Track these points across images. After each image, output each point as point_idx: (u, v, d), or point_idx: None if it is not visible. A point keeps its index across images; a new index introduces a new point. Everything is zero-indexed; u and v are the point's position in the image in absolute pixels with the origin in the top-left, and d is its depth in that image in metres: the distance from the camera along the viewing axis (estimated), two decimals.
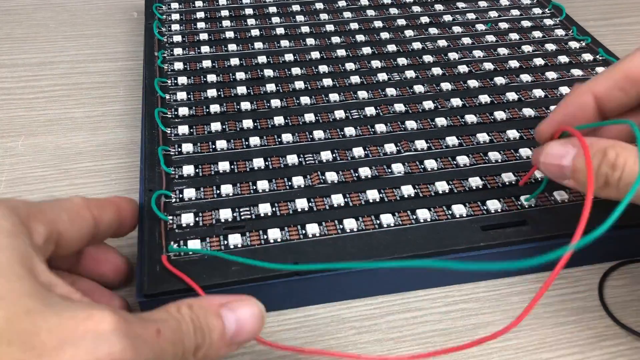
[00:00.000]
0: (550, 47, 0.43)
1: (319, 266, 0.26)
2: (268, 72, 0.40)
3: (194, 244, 0.28)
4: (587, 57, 0.41)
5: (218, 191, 0.31)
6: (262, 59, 0.41)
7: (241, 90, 0.38)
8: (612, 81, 0.23)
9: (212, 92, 0.38)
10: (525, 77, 0.39)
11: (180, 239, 0.28)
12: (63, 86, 0.45)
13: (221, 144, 0.34)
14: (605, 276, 0.31)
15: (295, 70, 0.40)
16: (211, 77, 0.39)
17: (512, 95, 0.37)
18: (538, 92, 0.38)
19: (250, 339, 0.22)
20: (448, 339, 0.28)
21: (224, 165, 0.32)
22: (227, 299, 0.22)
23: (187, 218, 0.29)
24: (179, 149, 0.33)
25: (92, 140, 0.39)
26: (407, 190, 0.31)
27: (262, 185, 0.31)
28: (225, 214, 0.29)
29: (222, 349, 0.21)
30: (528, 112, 0.36)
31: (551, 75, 0.39)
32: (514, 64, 0.40)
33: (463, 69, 0.40)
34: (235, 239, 0.28)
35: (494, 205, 0.30)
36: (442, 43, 0.43)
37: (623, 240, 0.31)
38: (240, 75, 0.40)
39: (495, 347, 0.27)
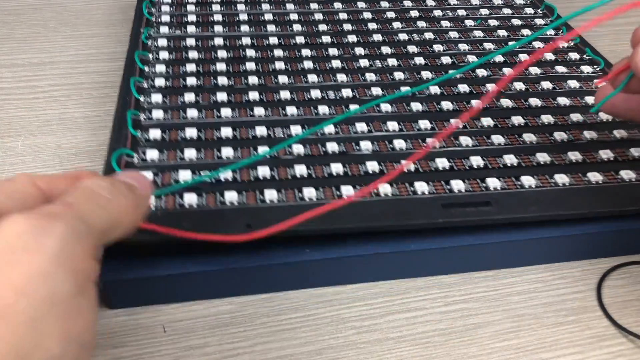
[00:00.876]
0: (538, 44, 0.43)
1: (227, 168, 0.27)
2: (250, 53, 0.40)
3: (147, 174, 0.28)
4: (574, 55, 0.41)
5: (181, 155, 0.31)
6: (246, 40, 0.42)
7: (220, 67, 0.38)
8: None
9: (191, 67, 0.38)
10: (508, 70, 0.39)
11: None
12: (63, 86, 0.45)
13: (192, 112, 0.34)
14: (605, 276, 0.31)
15: (278, 52, 0.40)
16: (193, 54, 0.40)
17: (491, 86, 0.38)
18: (519, 85, 0.38)
19: (150, 190, 0.23)
20: (448, 339, 0.28)
21: (191, 132, 0.32)
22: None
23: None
24: (150, 115, 0.34)
25: (92, 140, 0.39)
26: (372, 166, 0.31)
27: (227, 152, 0.31)
28: (185, 175, 0.29)
29: (149, 188, 0.22)
30: (506, 102, 0.36)
31: (534, 70, 0.39)
32: (498, 58, 0.40)
33: (446, 60, 0.40)
34: (190, 198, 0.28)
35: (457, 185, 0.30)
36: (428, 35, 0.43)
37: (623, 235, 0.31)
38: (222, 53, 0.40)
39: (495, 347, 0.27)
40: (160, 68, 0.38)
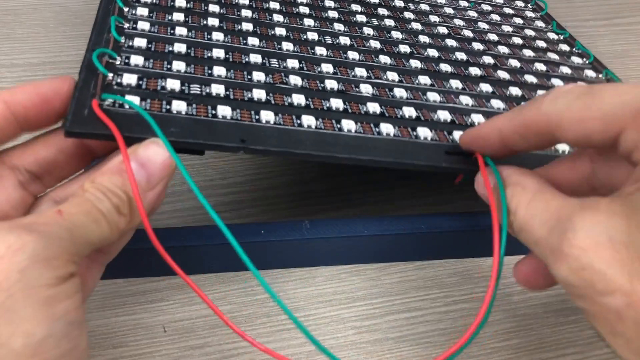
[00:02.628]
0: (529, 32, 0.43)
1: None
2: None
3: (132, 99, 0.25)
4: (564, 47, 0.41)
5: (169, 66, 0.28)
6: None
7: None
8: (514, 127, 0.23)
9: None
10: (503, 49, 0.39)
11: (119, 94, 0.25)
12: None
13: (181, 30, 0.32)
14: None
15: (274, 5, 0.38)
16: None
17: (488, 59, 0.37)
18: (514, 62, 0.38)
19: (166, 173, 0.22)
20: (448, 339, 0.28)
21: (179, 47, 0.30)
22: (127, 152, 0.22)
23: (130, 78, 0.26)
24: (134, 25, 0.31)
25: None
26: (373, 107, 0.29)
27: (219, 71, 0.29)
28: (173, 84, 0.27)
29: (146, 197, 0.21)
30: (503, 74, 0.36)
31: (528, 52, 0.39)
32: (492, 36, 0.41)
33: (442, 30, 0.40)
34: (179, 106, 0.26)
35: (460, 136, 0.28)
36: (424, 7, 0.43)
37: None
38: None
39: (495, 347, 0.27)
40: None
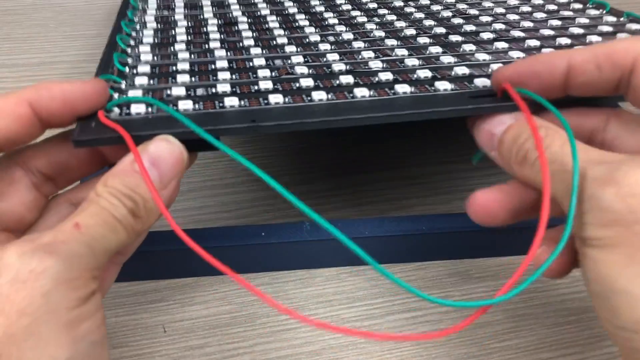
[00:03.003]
0: (538, 1, 0.42)
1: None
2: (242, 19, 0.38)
3: (138, 107, 0.25)
4: (577, 5, 0.40)
5: (174, 80, 0.28)
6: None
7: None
8: (592, 55, 0.22)
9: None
10: (513, 16, 0.38)
11: (125, 106, 0.25)
12: None
13: (184, 55, 0.32)
14: None
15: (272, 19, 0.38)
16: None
17: (499, 26, 0.36)
18: (526, 24, 0.36)
19: (179, 169, 0.22)
20: (448, 339, 0.28)
21: (183, 65, 0.30)
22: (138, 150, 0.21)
23: (135, 93, 0.26)
24: (138, 58, 0.31)
25: None
26: (386, 76, 0.28)
27: (224, 75, 0.29)
28: (178, 91, 0.27)
29: (161, 195, 0.21)
30: (517, 33, 0.35)
31: (540, 15, 0.38)
32: (499, 9, 0.40)
33: (447, 13, 0.39)
34: (186, 105, 0.25)
35: (482, 82, 0.27)
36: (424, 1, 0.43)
37: None
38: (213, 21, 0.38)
39: (495, 347, 0.27)
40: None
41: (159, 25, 0.37)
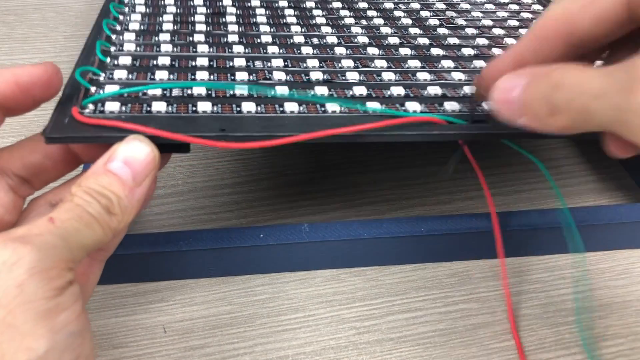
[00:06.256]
0: (527, 15, 0.42)
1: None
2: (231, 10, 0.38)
3: (113, 105, 0.25)
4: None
5: (152, 76, 0.28)
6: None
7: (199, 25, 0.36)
8: (528, 41, 0.21)
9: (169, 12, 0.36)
10: (498, 32, 0.39)
11: (100, 103, 0.25)
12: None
13: (167, 47, 0.32)
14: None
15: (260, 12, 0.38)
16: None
17: (482, 41, 0.37)
18: (510, 41, 0.37)
19: (151, 167, 0.22)
20: (448, 339, 0.28)
21: (164, 60, 0.30)
22: (110, 151, 0.22)
23: (111, 89, 0.27)
24: (120, 48, 0.32)
25: None
26: (360, 90, 0.29)
27: (202, 75, 0.29)
28: (155, 90, 0.27)
29: (135, 194, 0.21)
30: (498, 52, 0.35)
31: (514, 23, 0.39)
32: (487, 22, 0.40)
33: (434, 22, 0.39)
34: (159, 106, 0.25)
35: (451, 106, 0.28)
36: (415, 5, 0.42)
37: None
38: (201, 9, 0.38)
39: (495, 347, 0.28)
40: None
41: (147, 9, 0.37)
